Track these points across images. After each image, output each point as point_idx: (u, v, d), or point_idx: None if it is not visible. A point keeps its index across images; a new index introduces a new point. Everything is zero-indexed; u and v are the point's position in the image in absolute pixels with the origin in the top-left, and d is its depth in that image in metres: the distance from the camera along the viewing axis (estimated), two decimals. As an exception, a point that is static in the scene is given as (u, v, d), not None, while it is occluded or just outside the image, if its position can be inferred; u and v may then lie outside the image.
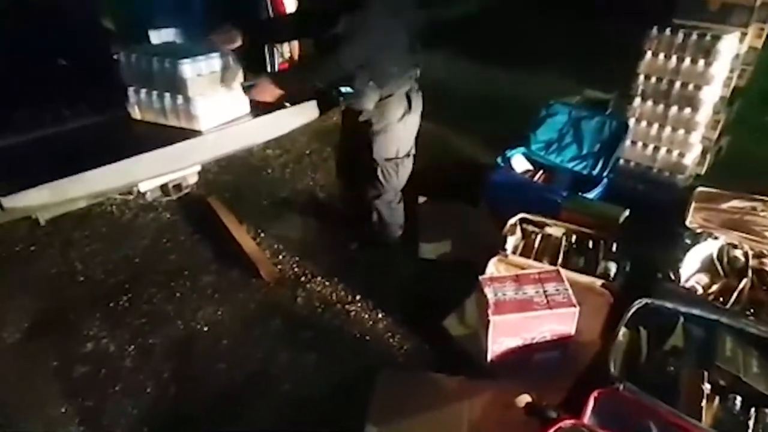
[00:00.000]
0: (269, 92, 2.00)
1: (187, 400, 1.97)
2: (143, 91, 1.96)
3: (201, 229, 2.85)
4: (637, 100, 2.87)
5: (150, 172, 1.91)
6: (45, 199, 1.63)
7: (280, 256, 2.66)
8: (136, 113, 2.03)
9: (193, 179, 2.47)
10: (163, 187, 2.33)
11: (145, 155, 1.77)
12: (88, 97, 2.24)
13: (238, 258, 2.62)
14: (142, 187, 2.15)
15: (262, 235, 2.81)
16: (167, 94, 1.92)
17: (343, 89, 2.09)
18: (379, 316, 2.31)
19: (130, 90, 2.01)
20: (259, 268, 2.53)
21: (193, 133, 1.92)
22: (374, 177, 2.27)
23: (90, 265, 2.61)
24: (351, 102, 2.08)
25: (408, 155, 2.26)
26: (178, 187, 2.35)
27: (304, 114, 2.24)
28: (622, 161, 2.99)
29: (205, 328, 2.26)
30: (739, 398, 1.52)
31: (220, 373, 2.07)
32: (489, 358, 1.96)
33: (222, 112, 2.03)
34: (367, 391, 1.92)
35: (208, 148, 1.98)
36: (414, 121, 2.24)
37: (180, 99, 1.90)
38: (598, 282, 2.11)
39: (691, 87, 2.69)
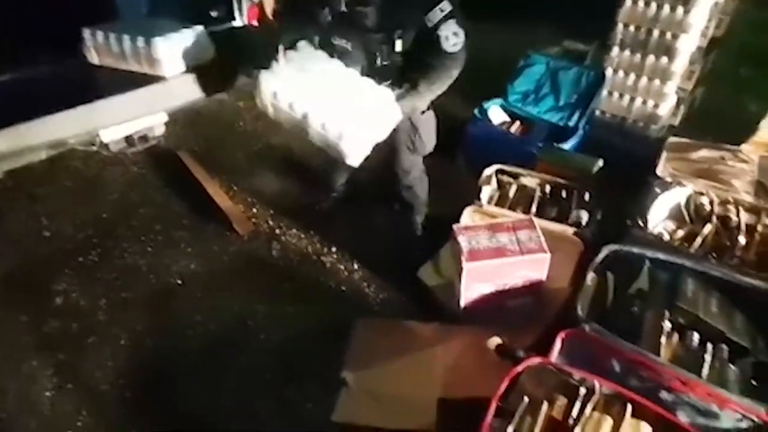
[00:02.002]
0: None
1: (163, 353, 1.97)
2: (100, 33, 1.84)
3: (171, 183, 2.78)
4: (615, 50, 2.85)
5: (111, 119, 1.82)
6: (2, 146, 1.54)
7: (254, 210, 2.63)
8: (94, 58, 1.91)
9: (159, 130, 2.37)
10: (128, 138, 2.23)
11: (104, 101, 1.68)
12: (44, 40, 2.09)
13: (211, 212, 2.57)
14: (105, 136, 2.06)
15: (235, 189, 2.76)
16: (127, 37, 1.80)
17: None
18: (355, 266, 2.32)
19: (86, 32, 1.88)
20: (232, 222, 2.50)
21: (156, 79, 1.82)
22: (411, 135, 2.14)
23: (57, 220, 2.53)
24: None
25: (430, 106, 2.15)
26: (144, 138, 2.26)
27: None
28: (598, 112, 3.00)
29: (179, 281, 2.25)
30: (697, 335, 1.59)
31: (196, 325, 2.07)
32: (462, 304, 2.00)
33: (186, 57, 1.93)
34: (343, 341, 1.94)
35: (173, 95, 1.89)
36: None
37: (141, 42, 1.79)
38: (570, 230, 2.15)
39: (668, 36, 2.68)
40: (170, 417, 1.76)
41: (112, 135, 2.11)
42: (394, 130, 2.00)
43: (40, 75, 2.00)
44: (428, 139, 2.16)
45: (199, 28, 1.98)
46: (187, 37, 1.93)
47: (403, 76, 1.91)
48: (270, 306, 2.14)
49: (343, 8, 1.81)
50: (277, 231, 2.50)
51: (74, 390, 1.84)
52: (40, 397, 1.82)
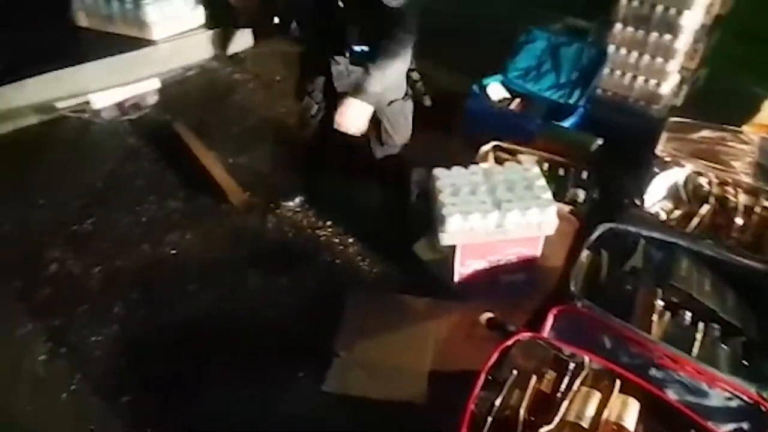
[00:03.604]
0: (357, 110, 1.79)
1: (155, 321, 1.98)
2: (90, -5, 1.79)
3: (166, 155, 2.75)
4: (618, 26, 2.79)
5: (99, 83, 1.78)
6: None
7: (249, 183, 2.61)
8: (82, 20, 1.86)
9: (152, 99, 2.33)
10: (120, 106, 2.19)
11: (91, 63, 1.64)
12: (31, 1, 2.04)
13: (206, 184, 2.55)
14: (95, 102, 2.01)
15: (231, 161, 2.73)
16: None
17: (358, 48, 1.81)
18: (350, 241, 2.31)
19: None
20: (227, 194, 2.48)
21: (146, 43, 1.77)
22: (377, 127, 2.03)
23: (50, 189, 2.51)
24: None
25: (407, 94, 2.05)
26: (136, 105, 2.22)
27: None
28: (599, 90, 2.95)
29: (173, 251, 2.24)
30: (689, 314, 1.60)
31: (189, 294, 2.07)
32: (456, 280, 2.00)
33: (176, 21, 1.87)
34: (336, 313, 1.95)
35: (163, 59, 1.84)
36: (407, 59, 2.06)
37: (130, 4, 1.74)
38: (566, 208, 2.14)
39: (672, 11, 2.62)
40: (161, 383, 1.77)
41: (102, 101, 2.06)
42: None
43: (27, 37, 1.94)
44: (401, 131, 2.06)
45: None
46: (177, 0, 1.86)
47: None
48: (263, 277, 2.14)
49: None
50: (272, 204, 2.48)
51: (67, 355, 1.85)
52: (33, 362, 1.83)
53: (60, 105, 2.03)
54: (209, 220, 2.40)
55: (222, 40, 1.90)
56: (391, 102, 1.98)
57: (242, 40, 2.09)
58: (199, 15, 1.95)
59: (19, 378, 1.78)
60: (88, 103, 1.98)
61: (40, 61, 1.62)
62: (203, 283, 2.11)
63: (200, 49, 1.95)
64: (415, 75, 2.05)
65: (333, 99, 1.98)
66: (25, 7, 2.05)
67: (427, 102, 2.04)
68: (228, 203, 2.46)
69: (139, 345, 1.90)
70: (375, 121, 1.97)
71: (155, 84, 2.28)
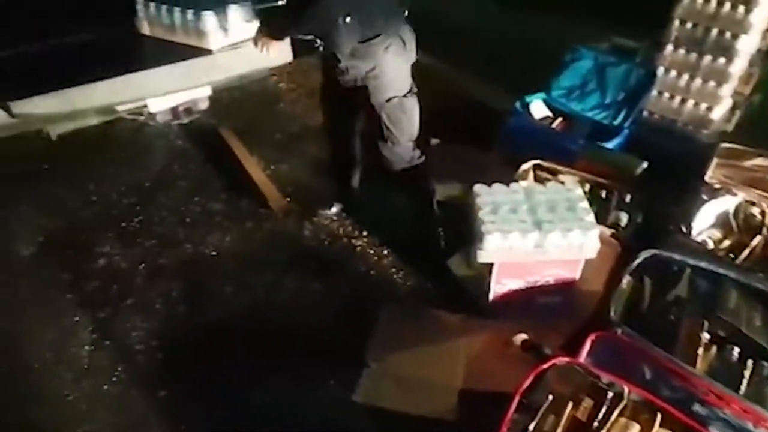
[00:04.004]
0: (270, 44, 1.90)
1: (194, 320, 2.04)
2: (152, 4, 1.89)
3: (212, 158, 2.84)
4: (669, 47, 2.72)
5: (158, 89, 1.86)
6: (53, 107, 1.61)
7: (289, 189, 2.66)
8: (145, 28, 1.97)
9: (203, 104, 2.43)
10: (174, 110, 2.29)
11: (153, 70, 1.73)
12: (98, 8, 2.16)
13: (248, 188, 2.63)
14: (152, 106, 2.12)
15: (272, 167, 2.80)
16: (176, 9, 1.84)
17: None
18: (385, 252, 2.33)
19: (139, 3, 1.94)
20: (268, 198, 2.55)
21: (203, 52, 1.86)
22: (380, 124, 2.05)
23: (102, 186, 2.63)
24: (329, 45, 1.88)
25: (411, 92, 2.06)
26: (188, 110, 2.32)
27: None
28: (645, 112, 2.88)
29: (214, 253, 2.31)
30: (737, 349, 1.53)
31: (226, 295, 2.13)
32: (491, 298, 1.98)
33: (233, 31, 1.95)
34: (369, 323, 1.96)
35: (219, 68, 1.92)
36: (409, 58, 2.10)
37: (190, 14, 1.82)
38: (608, 231, 2.09)
39: (728, 35, 2.54)
40: (196, 382, 1.82)
41: (159, 105, 2.17)
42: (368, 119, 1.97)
43: (92, 42, 2.06)
44: (401, 127, 2.04)
45: (247, 3, 1.98)
46: (235, 11, 1.94)
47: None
48: (298, 283, 2.17)
49: None
50: (310, 211, 2.52)
51: (111, 347, 1.92)
52: (78, 350, 1.91)
53: (120, 108, 2.14)
54: (249, 223, 2.46)
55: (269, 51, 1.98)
56: (390, 99, 1.98)
57: (285, 51, 2.15)
58: (254, 27, 2.02)
59: (63, 366, 1.87)
60: (145, 106, 2.08)
61: (104, 66, 1.72)
62: (240, 285, 2.16)
63: (252, 59, 2.02)
64: None
65: (347, 104, 2.09)
66: (93, 14, 2.18)
67: None
68: (268, 208, 2.52)
69: (177, 342, 1.96)
70: (375, 118, 2.00)
71: (207, 91, 2.37)
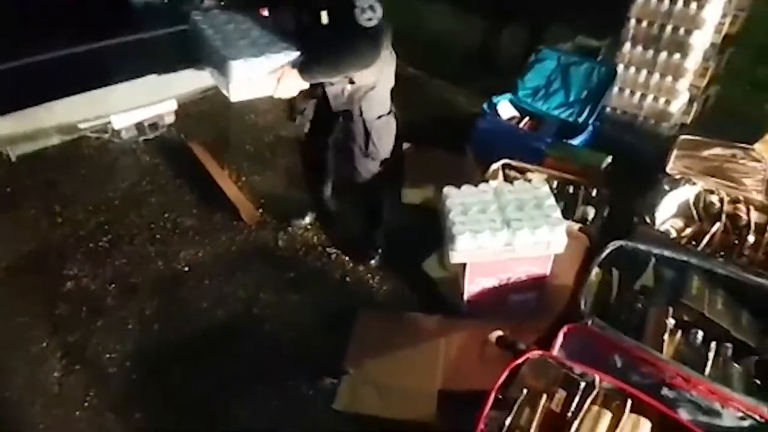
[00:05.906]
0: (293, 82, 1.81)
1: (169, 338, 2.01)
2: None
3: (182, 173, 2.81)
4: (627, 46, 2.81)
5: (121, 105, 1.81)
6: (11, 128, 1.56)
7: (262, 200, 2.65)
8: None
9: (169, 119, 2.39)
10: (139, 126, 2.25)
11: (114, 86, 1.68)
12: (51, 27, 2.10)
13: (220, 202, 2.60)
14: (116, 123, 2.07)
15: (244, 179, 2.78)
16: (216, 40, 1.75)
17: None
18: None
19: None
20: (240, 211, 2.53)
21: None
22: (365, 141, 2.07)
23: (69, 206, 2.57)
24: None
25: (391, 111, 2.12)
26: (154, 126, 2.28)
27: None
28: (608, 109, 2.97)
29: (187, 269, 2.28)
30: (701, 333, 1.58)
31: (202, 311, 2.10)
32: (466, 298, 2.01)
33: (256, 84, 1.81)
34: (346, 330, 1.96)
35: (182, 82, 1.88)
36: (392, 72, 2.14)
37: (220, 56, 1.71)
38: (576, 226, 2.14)
39: (681, 31, 2.63)
40: (174, 400, 1.79)
41: (123, 122, 2.12)
42: (348, 134, 2.02)
43: (51, 60, 2.01)
44: (384, 144, 2.10)
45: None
46: (263, 63, 1.79)
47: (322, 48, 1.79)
48: (275, 294, 2.16)
49: None
50: (284, 222, 2.51)
51: (82, 371, 1.88)
52: (48, 377, 1.86)
53: (82, 126, 2.08)
54: (222, 237, 2.44)
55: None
56: (380, 116, 2.03)
57: (293, 89, 2.10)
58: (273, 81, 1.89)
59: (33, 394, 1.81)
60: (109, 123, 2.04)
61: (64, 84, 1.68)
62: (215, 300, 2.14)
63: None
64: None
65: (324, 119, 2.09)
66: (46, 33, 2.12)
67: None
68: (241, 221, 2.50)
69: (153, 362, 1.92)
70: (360, 134, 2.03)
71: (173, 105, 2.34)
